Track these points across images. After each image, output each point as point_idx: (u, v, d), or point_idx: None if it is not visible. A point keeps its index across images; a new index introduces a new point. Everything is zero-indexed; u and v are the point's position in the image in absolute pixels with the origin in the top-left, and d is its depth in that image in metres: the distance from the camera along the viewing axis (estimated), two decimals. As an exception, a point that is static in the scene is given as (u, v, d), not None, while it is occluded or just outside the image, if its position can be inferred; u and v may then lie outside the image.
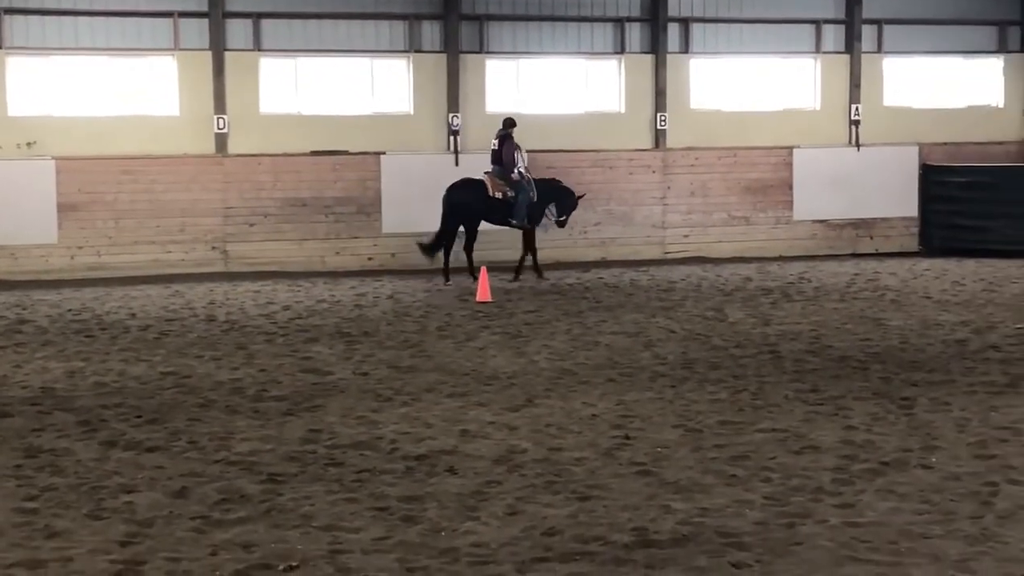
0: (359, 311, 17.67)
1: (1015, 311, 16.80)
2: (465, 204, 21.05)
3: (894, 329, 15.41)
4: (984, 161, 25.67)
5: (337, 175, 23.14)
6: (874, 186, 25.39)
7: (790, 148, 25.15)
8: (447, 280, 20.99)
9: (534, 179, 21.52)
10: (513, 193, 21.21)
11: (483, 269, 19.37)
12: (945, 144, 25.79)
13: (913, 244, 25.74)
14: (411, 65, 23.56)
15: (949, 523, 7.58)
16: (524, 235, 21.69)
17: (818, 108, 25.53)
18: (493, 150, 21.47)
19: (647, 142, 24.63)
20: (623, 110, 24.56)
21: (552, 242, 24.04)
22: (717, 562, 6.91)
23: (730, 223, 25.02)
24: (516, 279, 21.19)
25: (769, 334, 15.17)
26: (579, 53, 24.38)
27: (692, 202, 24.82)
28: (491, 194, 21.25)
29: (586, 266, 23.27)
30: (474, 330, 15.77)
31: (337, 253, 23.12)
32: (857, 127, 25.50)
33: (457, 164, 23.44)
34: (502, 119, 21.62)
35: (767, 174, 25.15)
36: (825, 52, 25.46)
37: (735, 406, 11.13)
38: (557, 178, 22.22)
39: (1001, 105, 26.56)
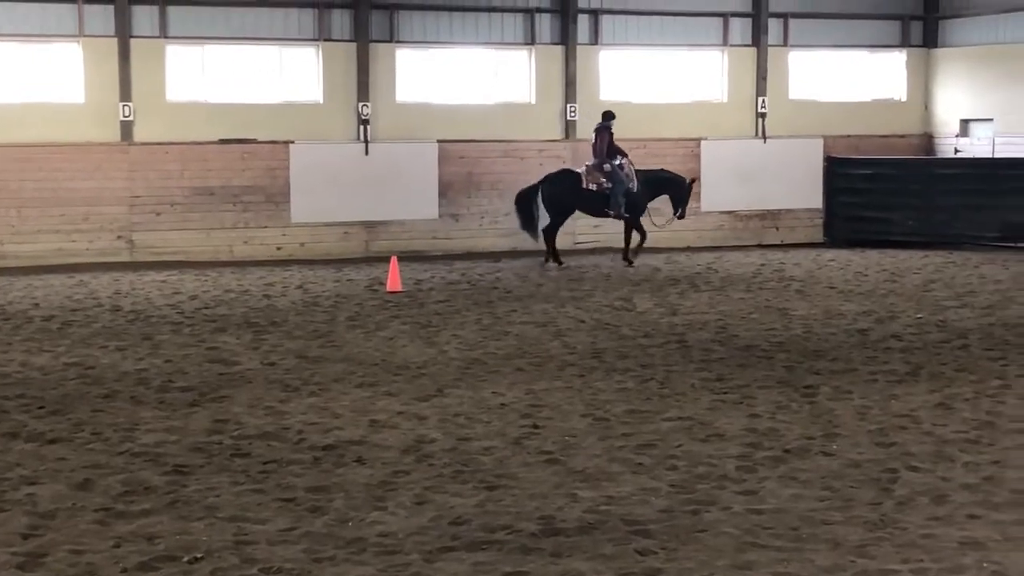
0: (267, 301, 17.55)
1: (916, 301, 17.13)
2: (557, 195, 21.87)
3: (798, 319, 15.64)
4: (887, 154, 26.12)
5: (245, 164, 22.92)
6: (780, 178, 25.71)
7: (698, 140, 25.38)
8: (560, 263, 21.76)
9: (640, 170, 22.04)
10: (609, 184, 21.64)
11: (393, 259, 19.33)
12: (849, 137, 26.19)
13: (818, 235, 26.10)
14: (321, 54, 23.41)
15: (849, 509, 7.72)
16: (625, 225, 22.18)
17: (726, 100, 25.78)
18: (592, 143, 22.09)
19: (557, 133, 24.71)
20: (533, 101, 24.62)
21: (465, 232, 24.08)
22: (622, 549, 6.98)
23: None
24: (630, 264, 21.78)
25: (677, 324, 15.32)
26: (489, 43, 24.38)
27: (602, 193, 24.90)
28: (585, 185, 21.81)
29: (497, 256, 23.30)
30: (384, 320, 15.74)
31: (245, 242, 22.92)
32: (763, 119, 25.80)
33: (367, 153, 23.36)
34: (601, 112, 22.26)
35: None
36: (732, 45, 25.72)
37: (642, 395, 11.23)
38: (664, 168, 22.75)
39: (904, 99, 27.02)
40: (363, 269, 21.16)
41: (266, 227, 23.05)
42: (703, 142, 25.38)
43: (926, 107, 26.99)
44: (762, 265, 21.83)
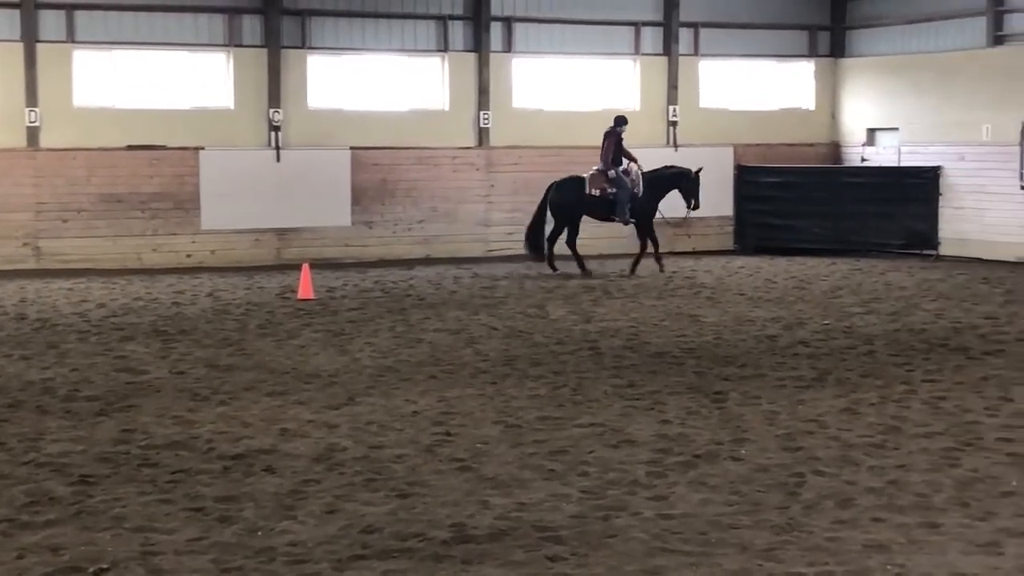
0: (177, 309, 17.35)
1: (823, 308, 17.37)
2: (561, 202, 21.74)
3: (709, 325, 15.79)
4: (795, 162, 26.50)
5: (154, 170, 22.67)
6: (692, 186, 25.89)
7: (611, 148, 25.49)
8: (554, 269, 21.73)
9: (645, 172, 21.79)
10: (614, 190, 21.47)
11: (305, 266, 19.21)
12: (759, 145, 26.52)
13: (728, 243, 26.39)
14: (231, 59, 23.22)
15: (757, 513, 7.80)
16: (638, 230, 21.99)
17: (638, 109, 25.95)
18: (600, 149, 21.90)
19: (471, 140, 24.74)
20: (447, 108, 24.62)
21: (378, 239, 24.01)
22: (533, 556, 6.99)
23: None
24: (661, 270, 21.71)
25: (590, 331, 15.39)
26: (403, 50, 24.35)
27: (516, 200, 24.97)
28: (588, 191, 21.63)
29: (410, 263, 23.26)
30: (296, 328, 15.64)
31: (154, 250, 22.66)
32: (675, 128, 26.04)
33: (279, 160, 23.22)
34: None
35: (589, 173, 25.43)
36: (644, 54, 25.93)
37: (555, 402, 11.27)
38: (670, 164, 22.53)
39: (812, 108, 27.42)
40: (275, 277, 21.01)
41: (175, 234, 22.81)
42: (615, 150, 25.48)
43: (833, 116, 27.41)
44: (674, 272, 22.00)
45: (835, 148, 27.43)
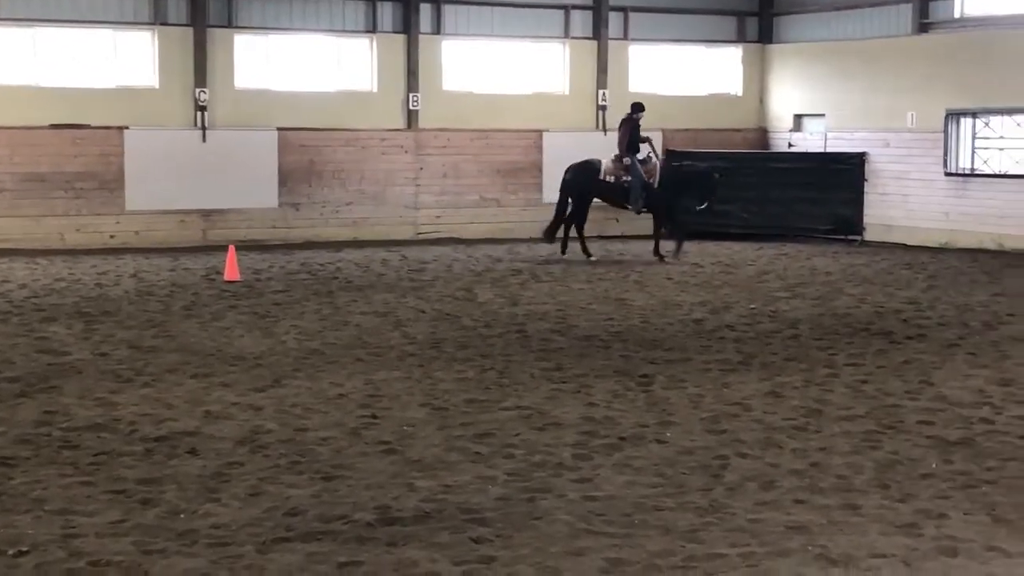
0: (100, 290, 17.14)
1: (749, 292, 17.51)
2: (573, 184, 21.59)
3: (636, 309, 15.86)
4: (723, 147, 26.66)
5: (78, 149, 22.36)
6: (620, 170, 25.98)
7: (540, 131, 25.57)
8: (563, 251, 21.60)
9: (666, 167, 21.70)
10: (628, 178, 21.24)
11: (231, 248, 19.05)
12: (687, 130, 26.66)
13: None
14: (156, 38, 22.92)
15: (681, 495, 7.85)
16: (654, 218, 21.82)
17: (567, 93, 26.00)
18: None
19: (400, 122, 24.64)
20: (375, 89, 24.50)
21: (305, 221, 23.86)
22: (458, 538, 6.98)
23: (482, 204, 25.29)
24: (660, 257, 21.41)
25: (517, 314, 15.40)
26: (331, 30, 24.19)
27: (444, 183, 24.97)
28: (602, 176, 21.41)
29: (338, 246, 23.14)
30: (221, 310, 15.50)
31: (77, 230, 22.36)
32: (604, 112, 26.09)
33: (205, 140, 22.99)
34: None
35: (518, 157, 25.51)
36: (574, 37, 25.96)
37: (482, 384, 11.26)
38: (691, 163, 22.43)
39: (740, 93, 27.60)
40: (200, 258, 20.81)
41: (99, 215, 22.53)
42: (545, 134, 25.58)
43: (761, 102, 27.61)
44: (602, 256, 22.06)
45: (762, 134, 27.65)
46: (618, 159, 21.51)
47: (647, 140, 21.66)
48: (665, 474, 8.36)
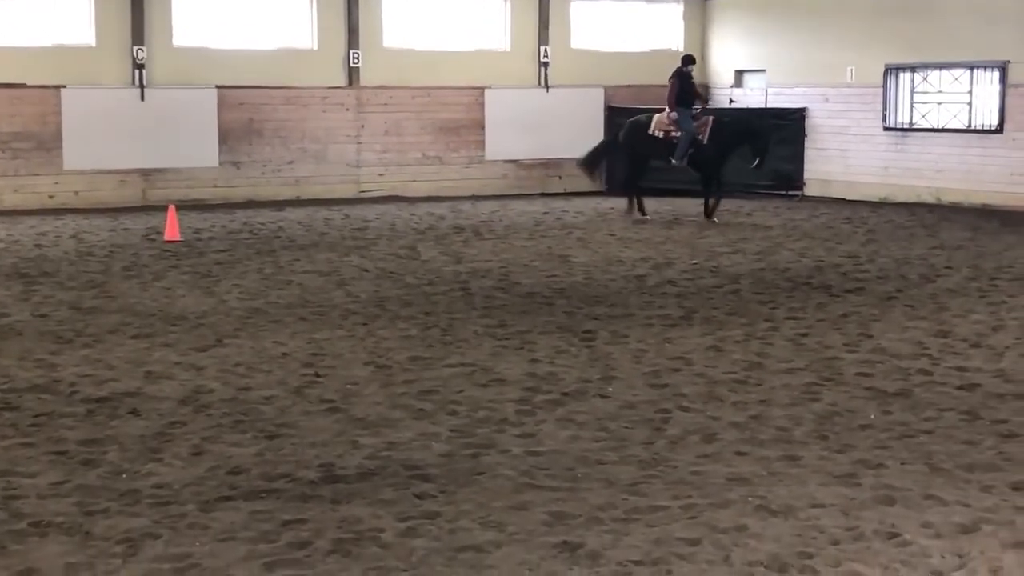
0: (39, 251, 16.95)
1: (691, 248, 17.60)
2: (623, 142, 21.28)
3: (579, 265, 15.91)
4: (665, 104, 26.60)
5: (14, 109, 22.03)
6: (563, 127, 26.03)
7: (482, 88, 25.50)
8: (644, 213, 21.14)
9: (721, 121, 21.04)
10: (678, 133, 20.78)
11: (171, 207, 18.89)
12: (629, 87, 26.66)
13: (600, 184, 26.52)
14: (93, -5, 22.60)
15: (623, 449, 7.91)
16: (703, 178, 21.25)
17: (509, 49, 25.92)
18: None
19: (341, 80, 24.47)
20: (315, 47, 24.29)
21: (246, 180, 23.69)
22: (402, 494, 7.00)
23: (424, 162, 25.21)
24: (710, 218, 20.85)
25: (461, 271, 15.40)
26: (270, -13, 23.95)
27: (386, 141, 24.86)
28: (651, 131, 20.98)
29: (280, 205, 23.01)
30: (162, 270, 15.39)
31: (15, 191, 22.07)
32: (546, 69, 26.05)
33: (143, 99, 22.73)
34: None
35: (460, 114, 25.43)
36: (515, -7, 25.85)
37: (425, 342, 11.27)
38: (742, 117, 21.88)
39: (681, 49, 27.58)
40: (140, 218, 20.63)
41: (37, 175, 22.24)
42: (487, 91, 25.51)
43: (702, 58, 27.62)
44: (545, 213, 22.11)
45: (704, 90, 27.65)
46: (667, 114, 21.03)
47: (697, 93, 21.26)
48: (608, 428, 8.42)
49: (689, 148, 20.84)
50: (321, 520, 6.58)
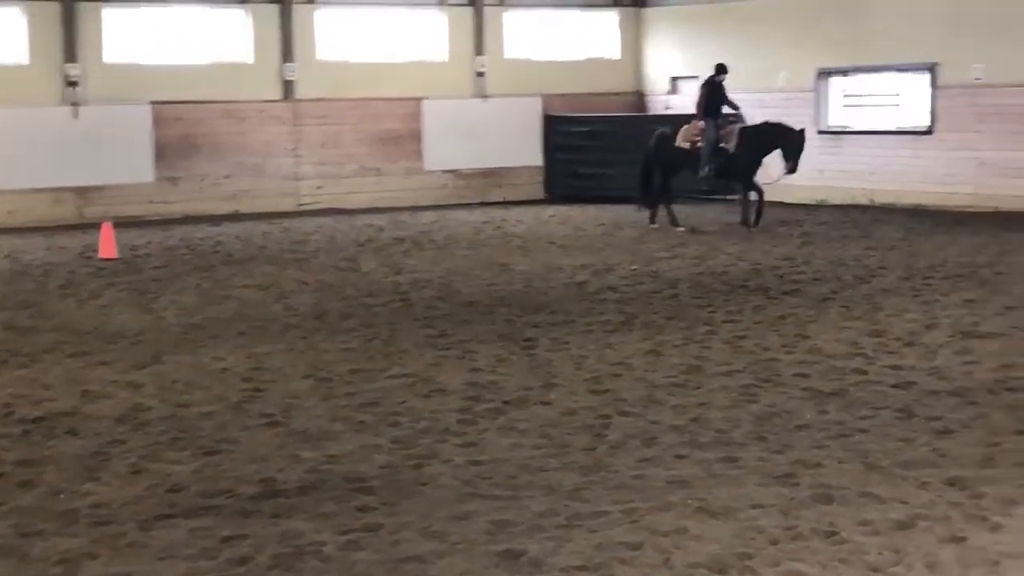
0: (-27, 272, 16.76)
1: (631, 253, 17.69)
2: (650, 153, 20.70)
3: (519, 274, 15.94)
4: (602, 111, 26.83)
5: (-54, 129, 21.76)
6: (501, 136, 26.11)
7: (419, 99, 25.50)
8: (676, 224, 20.52)
9: (745, 127, 20.34)
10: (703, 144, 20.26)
11: (106, 225, 18.72)
12: (566, 95, 26.77)
13: (539, 192, 26.65)
14: (25, 13, 22.35)
15: (565, 456, 7.94)
16: (741, 188, 20.65)
17: (446, 60, 25.94)
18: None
19: (276, 93, 24.38)
20: (251, 60, 24.19)
21: (183, 195, 23.54)
22: (344, 507, 6.98)
23: (362, 174, 25.17)
24: (748, 227, 20.16)
25: (401, 282, 15.38)
26: (203, 1, 23.80)
27: (324, 153, 24.79)
28: (678, 143, 20.52)
29: (217, 219, 22.88)
30: (98, 288, 15.25)
31: (-52, 211, 21.80)
32: (483, 78, 26.09)
33: (76, 116, 22.52)
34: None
35: (397, 125, 25.42)
36: (450, 4, 25.88)
37: (366, 354, 11.24)
38: (770, 120, 20.90)
39: (617, 57, 27.77)
40: (76, 236, 20.43)
41: (-30, 195, 21.97)
42: (424, 101, 25.52)
43: (638, 66, 27.81)
44: (485, 222, 22.14)
45: (640, 97, 27.88)
46: (694, 124, 20.63)
47: (729, 102, 20.59)
48: (549, 435, 8.44)
49: (712, 158, 20.27)
50: (262, 535, 6.54)
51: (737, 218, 20.79)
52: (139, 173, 23.10)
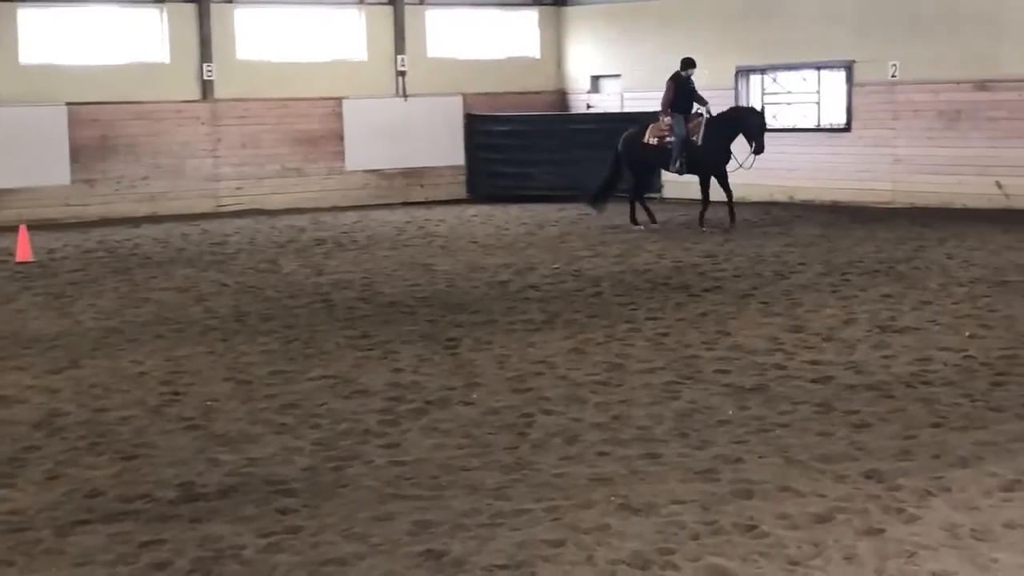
0: None
1: (553, 252, 17.73)
2: (620, 152, 20.40)
3: (442, 274, 15.91)
4: (523, 110, 26.87)
5: None
6: (423, 136, 26.04)
7: (339, 99, 25.37)
8: (634, 223, 20.28)
9: (710, 118, 19.99)
10: (671, 139, 19.94)
11: (22, 228, 18.43)
12: (487, 94, 26.78)
13: (461, 192, 26.62)
14: (-67, 12, 21.95)
15: (487, 455, 7.93)
16: (700, 181, 20.23)
17: (365, 59, 25.83)
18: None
19: (195, 93, 24.13)
20: (168, 60, 23.92)
21: (100, 198, 23.24)
22: (264, 510, 6.92)
23: (283, 175, 25.00)
24: (732, 222, 20.00)
25: (322, 283, 15.30)
26: (119, 1, 23.50)
27: (244, 154, 24.59)
28: (646, 140, 20.18)
29: (135, 222, 22.60)
30: (14, 292, 15.01)
31: None
32: (404, 78, 26.02)
33: (-10, 118, 22.14)
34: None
35: (318, 125, 25.27)
36: (369, 3, 25.78)
37: (286, 356, 11.16)
38: (734, 107, 20.61)
39: (538, 56, 27.82)
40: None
41: None
42: (344, 101, 25.39)
43: (559, 64, 27.89)
44: (407, 222, 22.08)
45: (561, 96, 27.95)
46: (661, 120, 20.36)
47: (698, 97, 20.21)
48: (472, 435, 8.43)
49: (683, 154, 20.06)
50: (181, 540, 6.47)
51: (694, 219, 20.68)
52: (55, 175, 22.75)
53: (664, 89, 20.38)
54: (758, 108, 20.08)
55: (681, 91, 20.13)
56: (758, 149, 20.06)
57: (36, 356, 11.30)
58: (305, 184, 25.16)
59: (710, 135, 20.03)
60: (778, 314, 12.62)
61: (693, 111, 20.19)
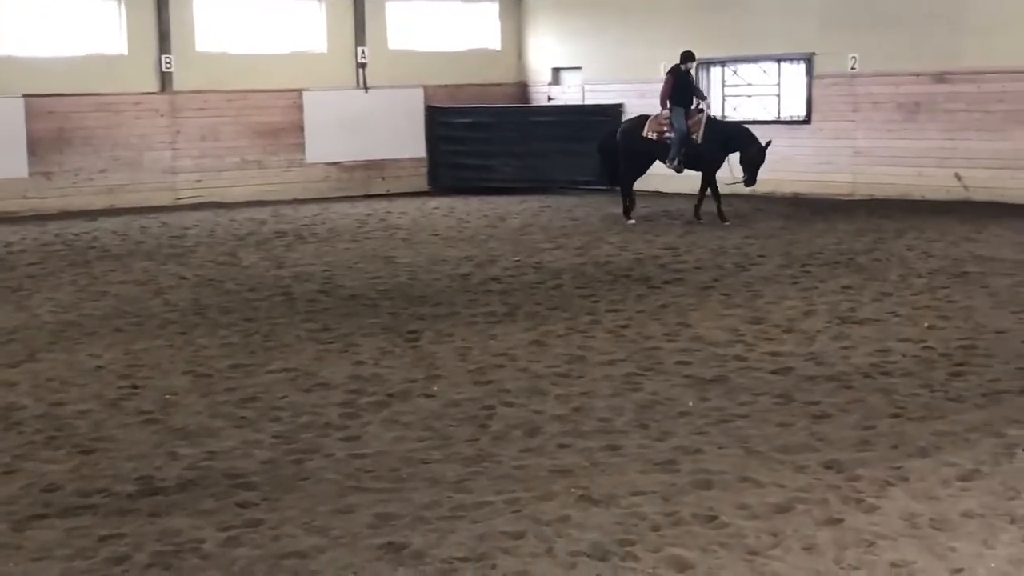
0: None
1: (514, 245, 17.72)
2: (621, 143, 20.20)
3: (403, 266, 15.87)
4: (485, 102, 26.84)
5: None
6: (384, 128, 25.98)
7: (300, 91, 25.26)
8: (628, 217, 20.07)
9: (717, 121, 19.76)
10: (671, 133, 19.64)
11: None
12: (448, 86, 26.73)
13: (422, 184, 26.58)
14: None
15: (448, 447, 7.92)
16: (702, 178, 19.85)
17: (326, 51, 25.73)
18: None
19: (153, 85, 23.97)
20: (126, 52, 23.74)
21: (58, 190, 23.05)
22: (224, 504, 6.89)
23: (243, 167, 24.88)
24: (696, 218, 19.83)
25: (283, 276, 15.23)
26: (76, -8, 23.34)
27: (203, 146, 24.44)
28: (644, 133, 19.90)
29: (93, 215, 22.43)
30: (-30, 285, 14.87)
31: None
32: (364, 70, 25.93)
33: (-54, 109, 21.91)
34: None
35: (278, 117, 25.16)
36: (331, -5, 25.69)
37: (247, 349, 11.11)
38: (745, 124, 20.37)
39: (498, 48, 27.80)
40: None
41: None
42: (305, 93, 25.29)
43: (520, 56, 27.87)
44: (368, 215, 22.01)
45: (522, 88, 27.95)
46: (660, 114, 20.03)
47: (697, 91, 20.08)
48: (433, 427, 8.42)
49: (682, 148, 19.70)
50: (139, 534, 6.43)
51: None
52: (12, 168, 22.55)
53: (662, 83, 20.12)
54: (764, 142, 19.60)
55: (680, 84, 19.87)
56: (749, 181, 19.83)
57: (-7, 350, 11.19)
58: (265, 176, 25.05)
59: (710, 135, 19.76)
60: (739, 305, 12.66)
61: (693, 106, 19.98)
